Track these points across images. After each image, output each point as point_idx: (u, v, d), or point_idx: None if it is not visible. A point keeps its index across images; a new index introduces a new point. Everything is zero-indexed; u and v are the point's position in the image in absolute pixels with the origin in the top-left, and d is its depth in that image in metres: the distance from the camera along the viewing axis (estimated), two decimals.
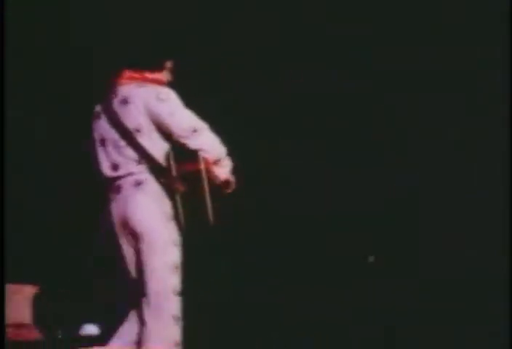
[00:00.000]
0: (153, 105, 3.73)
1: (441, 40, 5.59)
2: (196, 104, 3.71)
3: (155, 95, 3.75)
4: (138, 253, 3.74)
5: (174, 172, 3.71)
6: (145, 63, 3.90)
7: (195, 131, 3.74)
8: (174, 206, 3.73)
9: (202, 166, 3.72)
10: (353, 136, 5.83)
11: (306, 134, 5.83)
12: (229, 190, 3.92)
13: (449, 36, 5.57)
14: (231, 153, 3.78)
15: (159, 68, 3.91)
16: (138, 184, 3.73)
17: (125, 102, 3.77)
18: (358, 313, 5.60)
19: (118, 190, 3.77)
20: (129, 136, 3.73)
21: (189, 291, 3.75)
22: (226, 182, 3.88)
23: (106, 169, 3.80)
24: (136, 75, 3.88)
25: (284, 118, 5.80)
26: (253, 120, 5.63)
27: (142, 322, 3.73)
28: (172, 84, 3.83)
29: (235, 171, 3.84)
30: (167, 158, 3.72)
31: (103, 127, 3.82)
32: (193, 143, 3.73)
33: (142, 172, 3.73)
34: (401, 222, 5.65)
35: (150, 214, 3.72)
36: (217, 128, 3.74)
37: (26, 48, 5.58)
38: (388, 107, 5.73)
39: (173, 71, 3.90)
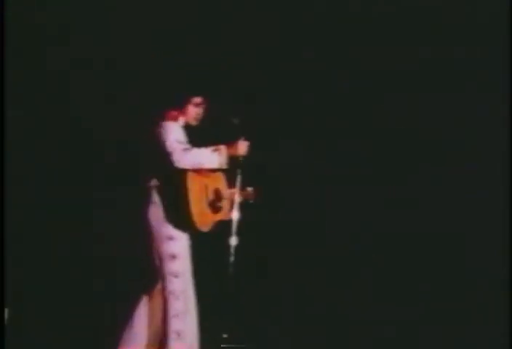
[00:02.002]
0: None
1: (441, 40, 5.59)
2: None
3: None
4: None
5: None
6: None
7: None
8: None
9: None
10: (354, 136, 5.83)
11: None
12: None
13: (449, 36, 5.58)
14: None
15: None
16: None
17: None
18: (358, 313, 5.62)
19: None
20: None
21: None
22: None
23: None
24: None
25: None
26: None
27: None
28: None
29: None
30: None
31: None
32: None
33: None
34: (401, 221, 5.65)
35: None
36: None
37: (26, 47, 5.57)
38: (387, 107, 5.72)
39: None
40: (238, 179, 4.49)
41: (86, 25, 5.67)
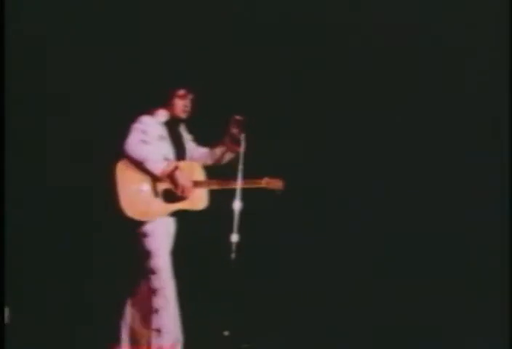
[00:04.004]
0: None
1: (440, 40, 5.60)
2: None
3: None
4: None
5: None
6: None
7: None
8: None
9: None
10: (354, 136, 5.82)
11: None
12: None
13: (449, 36, 5.58)
14: None
15: None
16: None
17: None
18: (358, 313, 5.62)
19: None
20: None
21: None
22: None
23: None
24: None
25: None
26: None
27: None
28: None
29: None
30: None
31: None
32: None
33: None
34: (400, 222, 5.64)
35: None
36: None
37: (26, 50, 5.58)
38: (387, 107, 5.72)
39: None
40: (240, 169, 4.46)
41: (70, 23, 5.68)
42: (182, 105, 4.73)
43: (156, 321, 4.49)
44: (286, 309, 5.60)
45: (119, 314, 4.67)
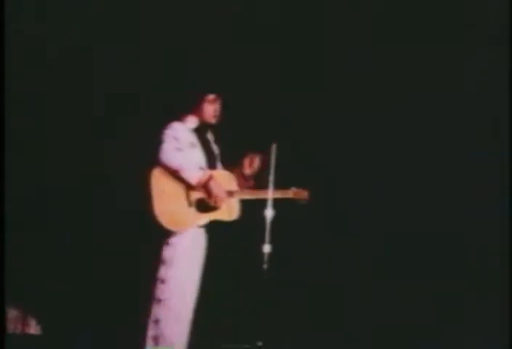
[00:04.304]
0: None
1: (441, 40, 5.59)
2: None
3: None
4: None
5: None
6: None
7: None
8: None
9: None
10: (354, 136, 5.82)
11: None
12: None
13: (449, 36, 5.57)
14: None
15: None
16: None
17: None
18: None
19: None
20: None
21: None
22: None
23: None
24: None
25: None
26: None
27: None
28: None
29: None
30: None
31: None
32: None
33: None
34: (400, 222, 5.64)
35: None
36: None
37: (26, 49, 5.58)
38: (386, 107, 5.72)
39: None
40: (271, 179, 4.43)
41: (91, 28, 5.68)
42: (211, 110, 4.67)
43: (153, 330, 4.44)
44: (319, 319, 5.58)
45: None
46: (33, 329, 5.24)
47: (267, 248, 4.30)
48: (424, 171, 5.65)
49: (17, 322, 5.19)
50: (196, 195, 4.56)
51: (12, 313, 5.17)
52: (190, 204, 4.54)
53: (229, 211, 4.57)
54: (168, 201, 4.49)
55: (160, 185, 4.51)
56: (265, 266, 4.29)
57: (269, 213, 4.36)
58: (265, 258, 4.29)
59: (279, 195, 4.54)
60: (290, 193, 4.66)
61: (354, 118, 5.73)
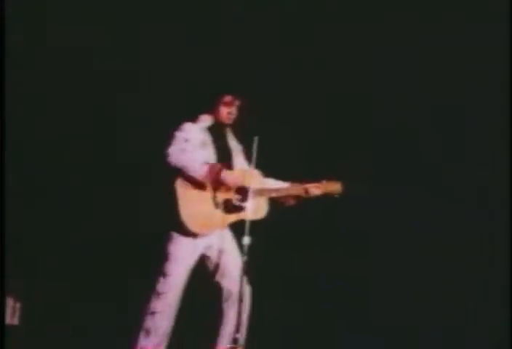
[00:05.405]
0: None
1: (440, 40, 5.60)
2: None
3: None
4: None
5: None
6: None
7: None
8: None
9: None
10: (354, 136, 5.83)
11: None
12: None
13: (449, 36, 5.58)
14: None
15: None
16: None
17: None
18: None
19: None
20: None
21: None
22: None
23: None
24: None
25: None
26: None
27: None
28: None
29: None
30: None
31: None
32: None
33: None
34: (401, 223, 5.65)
35: None
36: None
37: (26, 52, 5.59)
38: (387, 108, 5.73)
39: None
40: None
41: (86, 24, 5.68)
42: (226, 112, 4.64)
43: (148, 322, 4.45)
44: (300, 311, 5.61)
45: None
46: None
47: (246, 240, 4.29)
48: (424, 171, 5.67)
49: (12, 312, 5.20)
50: (223, 196, 4.53)
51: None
52: (217, 206, 4.51)
53: (256, 209, 4.49)
54: (194, 205, 4.46)
55: (185, 189, 4.48)
56: (244, 258, 4.29)
57: (249, 206, 4.35)
58: (245, 250, 4.29)
59: (313, 188, 4.55)
60: (321, 187, 4.60)
61: (355, 117, 5.75)
